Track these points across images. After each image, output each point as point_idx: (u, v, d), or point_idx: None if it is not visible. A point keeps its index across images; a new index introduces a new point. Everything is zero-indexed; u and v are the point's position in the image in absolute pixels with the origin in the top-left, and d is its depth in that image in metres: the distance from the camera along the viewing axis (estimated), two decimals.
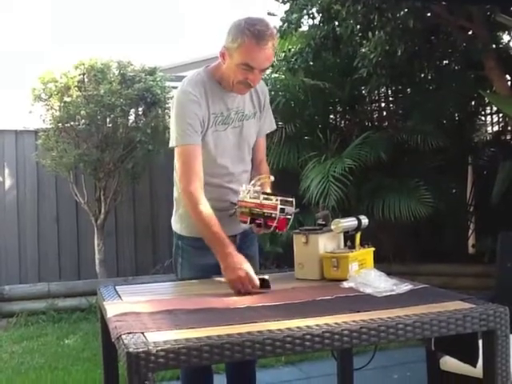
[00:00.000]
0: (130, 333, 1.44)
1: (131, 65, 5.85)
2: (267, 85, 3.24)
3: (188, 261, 2.38)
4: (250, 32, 2.06)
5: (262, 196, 2.07)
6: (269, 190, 2.20)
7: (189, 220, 2.29)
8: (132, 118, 5.93)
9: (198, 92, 2.20)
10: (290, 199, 2.07)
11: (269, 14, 5.68)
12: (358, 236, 2.12)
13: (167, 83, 5.91)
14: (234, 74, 2.16)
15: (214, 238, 2.08)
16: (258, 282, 1.94)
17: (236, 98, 2.29)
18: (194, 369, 2.21)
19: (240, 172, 2.32)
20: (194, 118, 2.17)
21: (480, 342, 1.67)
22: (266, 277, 1.99)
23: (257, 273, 2.02)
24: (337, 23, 5.50)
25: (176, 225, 2.41)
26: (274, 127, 2.51)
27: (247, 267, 1.98)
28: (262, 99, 2.39)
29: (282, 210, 2.04)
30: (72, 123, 5.60)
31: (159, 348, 1.33)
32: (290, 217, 2.06)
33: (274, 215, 2.04)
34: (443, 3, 4.87)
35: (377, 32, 4.98)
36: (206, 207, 2.11)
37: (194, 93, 2.19)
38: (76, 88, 5.56)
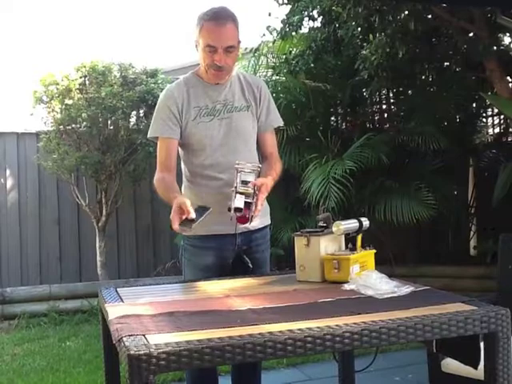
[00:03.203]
0: (131, 335, 1.44)
1: (132, 67, 5.86)
2: (268, 87, 3.24)
3: (189, 260, 2.42)
4: (207, 15, 2.24)
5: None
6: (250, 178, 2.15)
7: None
8: (133, 120, 5.94)
9: (177, 89, 2.34)
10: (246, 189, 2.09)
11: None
12: (359, 238, 2.12)
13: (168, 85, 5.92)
14: (203, 60, 2.27)
15: (167, 197, 2.22)
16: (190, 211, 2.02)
17: (223, 90, 2.35)
18: (199, 369, 2.22)
19: (231, 163, 2.21)
20: (167, 112, 2.30)
21: (481, 344, 1.67)
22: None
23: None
24: (338, 25, 5.51)
25: None
26: (281, 123, 2.52)
27: (181, 200, 2.06)
28: (257, 94, 2.40)
29: (239, 210, 2.09)
30: (73, 126, 5.61)
31: (160, 350, 1.33)
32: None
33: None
34: (444, 5, 4.86)
35: (378, 34, 4.99)
36: (164, 179, 2.29)
37: (172, 89, 2.35)
38: (77, 90, 5.57)
